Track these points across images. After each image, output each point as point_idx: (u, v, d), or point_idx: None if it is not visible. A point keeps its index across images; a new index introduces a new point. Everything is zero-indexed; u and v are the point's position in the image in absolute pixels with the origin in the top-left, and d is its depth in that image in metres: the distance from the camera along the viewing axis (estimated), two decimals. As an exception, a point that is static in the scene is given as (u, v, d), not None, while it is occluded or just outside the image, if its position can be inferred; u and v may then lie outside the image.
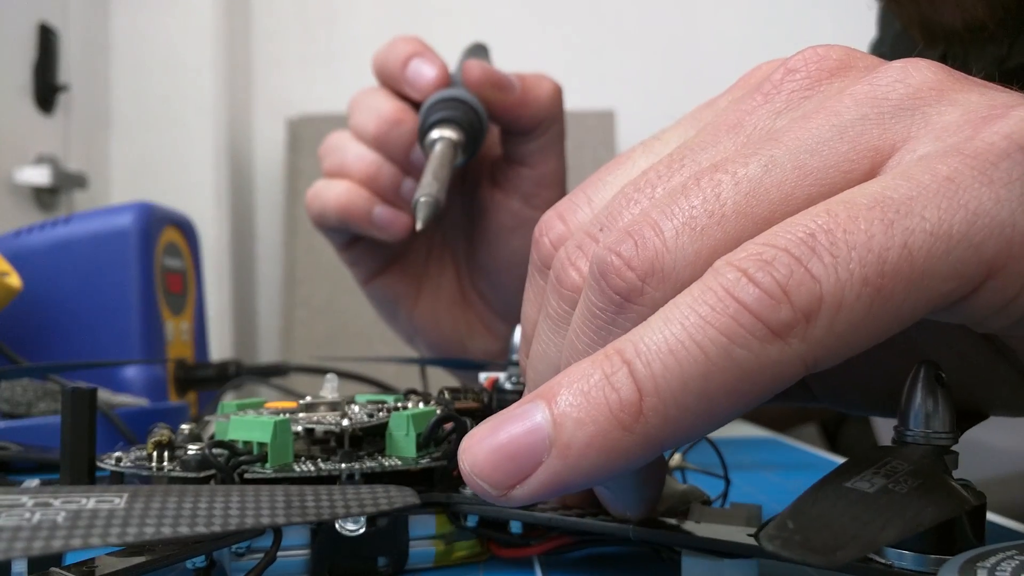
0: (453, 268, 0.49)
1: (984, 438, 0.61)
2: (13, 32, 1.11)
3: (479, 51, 0.50)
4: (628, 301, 0.19)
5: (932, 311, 0.18)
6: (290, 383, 0.65)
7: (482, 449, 0.18)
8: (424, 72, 0.44)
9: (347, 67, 1.55)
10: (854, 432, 0.71)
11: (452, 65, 0.46)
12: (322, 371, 0.48)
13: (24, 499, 0.14)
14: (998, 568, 0.17)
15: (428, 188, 0.39)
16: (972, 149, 0.18)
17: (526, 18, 1.54)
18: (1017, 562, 0.17)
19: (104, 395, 0.47)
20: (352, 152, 0.46)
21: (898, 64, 0.21)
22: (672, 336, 0.17)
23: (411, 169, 0.45)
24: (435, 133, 0.42)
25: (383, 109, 0.44)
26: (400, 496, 0.15)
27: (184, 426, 0.27)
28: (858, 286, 0.17)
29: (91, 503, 0.14)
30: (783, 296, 0.17)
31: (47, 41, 1.15)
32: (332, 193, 0.45)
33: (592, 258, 0.20)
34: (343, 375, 0.66)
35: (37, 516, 0.13)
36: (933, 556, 0.19)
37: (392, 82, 0.45)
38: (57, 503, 0.14)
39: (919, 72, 0.20)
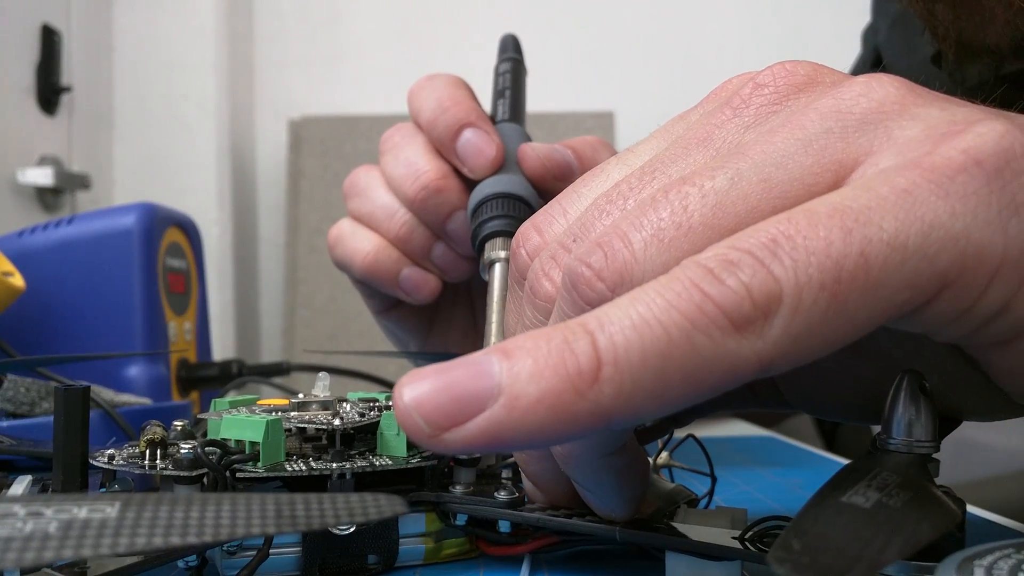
0: (467, 302, 0.48)
1: (979, 437, 0.61)
2: (16, 33, 1.11)
3: (511, 43, 0.47)
4: None
5: (888, 320, 0.18)
6: (292, 382, 0.66)
7: (426, 384, 0.18)
8: (483, 151, 0.39)
9: (349, 68, 1.55)
10: (851, 431, 0.71)
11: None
12: (325, 371, 0.48)
13: (16, 508, 0.14)
14: (995, 566, 0.17)
15: None
16: (931, 163, 0.18)
17: (527, 20, 1.54)
18: (1014, 560, 0.17)
19: (107, 394, 0.48)
20: (383, 205, 0.42)
21: (862, 79, 0.21)
22: (637, 314, 0.17)
23: (445, 236, 0.42)
24: (493, 253, 0.37)
25: (423, 172, 0.41)
26: (389, 505, 0.16)
27: (177, 423, 0.27)
28: (815, 290, 0.17)
29: (83, 512, 0.14)
30: (746, 293, 0.17)
31: (50, 42, 1.16)
32: (359, 247, 0.43)
33: (564, 269, 0.21)
34: (345, 373, 0.66)
35: (29, 526, 0.13)
36: (915, 563, 0.20)
37: (437, 143, 0.41)
38: (49, 512, 0.14)
39: (882, 87, 0.21)
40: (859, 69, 0.67)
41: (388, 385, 0.58)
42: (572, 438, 0.18)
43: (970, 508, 0.35)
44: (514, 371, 0.17)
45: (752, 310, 0.17)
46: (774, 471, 0.44)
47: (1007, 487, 0.57)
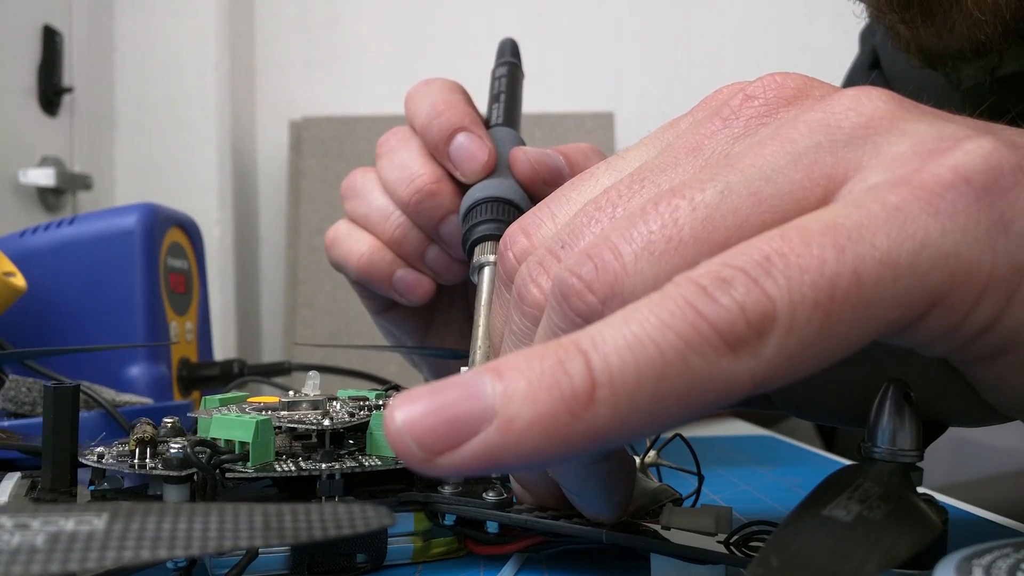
0: (464, 303, 0.48)
1: (979, 437, 0.61)
2: (18, 34, 1.12)
3: (509, 47, 0.48)
4: (589, 323, 0.19)
5: (879, 336, 0.18)
6: (294, 382, 0.66)
7: (418, 407, 0.17)
8: (474, 155, 0.40)
9: (349, 69, 1.56)
10: (851, 432, 0.71)
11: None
12: (326, 370, 0.48)
13: (3, 521, 0.14)
14: (993, 566, 0.17)
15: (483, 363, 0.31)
16: (920, 180, 0.18)
17: (527, 21, 1.54)
18: (1012, 560, 0.17)
19: (109, 394, 0.48)
20: (378, 207, 0.43)
21: (851, 92, 0.21)
22: (631, 334, 0.17)
23: (439, 239, 0.42)
24: (483, 256, 0.36)
25: (417, 176, 0.41)
26: (376, 516, 0.15)
27: (167, 420, 0.27)
28: (809, 308, 0.17)
29: (71, 525, 0.14)
30: (739, 312, 0.17)
31: (51, 43, 1.16)
32: (354, 248, 0.43)
33: (554, 279, 0.21)
34: (346, 373, 0.66)
35: (16, 539, 0.13)
36: (897, 571, 0.20)
37: (431, 147, 0.41)
38: (36, 525, 0.14)
39: (871, 101, 0.21)
40: (857, 70, 0.67)
41: (386, 384, 0.58)
42: (567, 459, 0.18)
43: (968, 507, 0.35)
44: (508, 393, 0.17)
45: (746, 329, 0.17)
46: (773, 470, 0.44)
47: (1005, 486, 0.57)
